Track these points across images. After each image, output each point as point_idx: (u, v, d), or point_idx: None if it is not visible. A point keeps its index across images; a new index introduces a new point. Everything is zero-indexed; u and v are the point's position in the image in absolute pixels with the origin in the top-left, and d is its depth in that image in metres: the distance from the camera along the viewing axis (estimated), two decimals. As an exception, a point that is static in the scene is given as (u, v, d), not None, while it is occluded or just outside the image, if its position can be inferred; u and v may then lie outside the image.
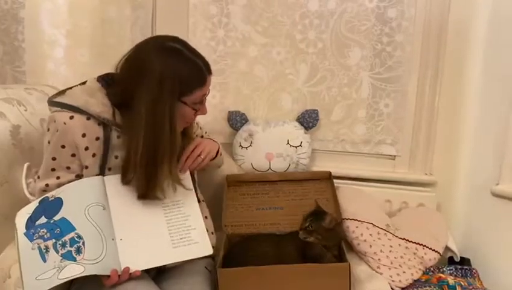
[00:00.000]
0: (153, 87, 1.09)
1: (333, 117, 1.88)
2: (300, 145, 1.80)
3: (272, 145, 1.79)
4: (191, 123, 1.29)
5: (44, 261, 1.05)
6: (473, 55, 1.72)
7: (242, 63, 1.89)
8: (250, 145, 1.81)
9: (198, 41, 1.89)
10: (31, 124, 1.37)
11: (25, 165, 1.28)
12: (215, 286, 1.28)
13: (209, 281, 1.28)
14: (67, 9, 1.85)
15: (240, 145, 1.81)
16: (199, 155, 1.29)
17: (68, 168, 1.18)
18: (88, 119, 1.15)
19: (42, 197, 1.15)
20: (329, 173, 1.71)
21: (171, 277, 1.24)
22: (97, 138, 1.17)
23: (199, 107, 1.21)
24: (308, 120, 1.83)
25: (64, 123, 1.13)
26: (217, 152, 1.40)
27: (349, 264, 1.29)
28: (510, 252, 1.47)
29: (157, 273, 1.26)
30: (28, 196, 1.25)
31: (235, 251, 1.44)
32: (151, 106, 1.09)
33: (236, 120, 1.85)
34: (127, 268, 1.09)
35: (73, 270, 1.04)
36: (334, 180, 1.70)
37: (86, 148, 1.16)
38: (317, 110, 1.85)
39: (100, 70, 1.24)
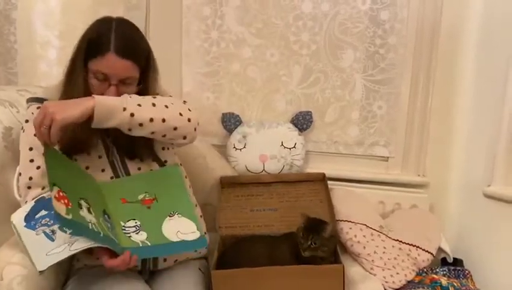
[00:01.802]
0: (74, 49, 1.17)
1: (327, 119, 1.88)
2: (294, 147, 1.80)
3: (266, 147, 1.80)
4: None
5: (53, 241, 1.04)
6: (465, 57, 1.73)
7: (236, 65, 1.89)
8: (244, 147, 1.81)
9: (192, 43, 1.89)
10: (24, 125, 1.36)
11: (18, 168, 1.27)
12: (208, 287, 1.27)
13: (202, 283, 1.28)
14: (59, 10, 1.85)
15: (234, 147, 1.81)
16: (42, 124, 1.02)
17: None
18: None
19: (38, 198, 1.15)
20: (323, 174, 1.72)
21: (165, 278, 1.24)
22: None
23: (100, 84, 1.14)
24: (302, 122, 1.84)
25: (32, 113, 1.19)
26: (91, 113, 1.05)
27: (343, 266, 1.29)
28: (502, 253, 1.48)
29: (151, 275, 1.26)
30: (18, 198, 1.24)
31: (229, 252, 1.44)
32: (69, 65, 1.18)
33: (230, 122, 1.85)
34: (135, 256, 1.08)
35: (85, 242, 1.03)
36: (328, 182, 1.70)
37: None
38: (311, 111, 1.85)
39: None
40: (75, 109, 1.04)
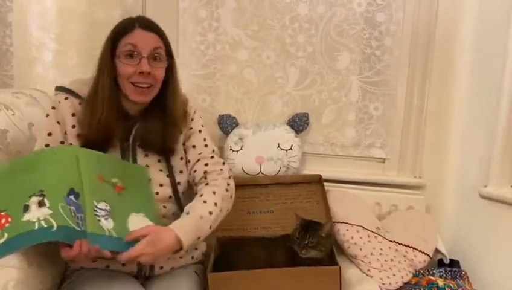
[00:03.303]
0: (102, 48, 1.25)
1: (323, 120, 1.89)
2: (290, 149, 1.80)
3: (263, 149, 1.79)
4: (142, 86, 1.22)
5: None
6: (460, 59, 1.74)
7: (232, 67, 1.89)
8: (241, 149, 1.80)
9: (188, 45, 1.89)
10: (19, 128, 1.35)
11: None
12: (205, 290, 1.27)
13: (199, 286, 1.28)
14: (55, 13, 1.84)
15: (231, 149, 1.81)
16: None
17: (62, 142, 1.23)
18: (80, 103, 1.24)
19: None
20: (320, 176, 1.72)
21: (161, 282, 1.24)
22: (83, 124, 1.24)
23: (131, 62, 1.19)
24: (298, 123, 1.84)
25: (59, 102, 1.24)
26: (178, 248, 1.15)
27: (340, 268, 1.29)
28: (498, 254, 1.48)
29: (146, 279, 1.25)
30: None
31: (225, 254, 1.43)
32: (98, 63, 1.24)
33: (227, 124, 1.85)
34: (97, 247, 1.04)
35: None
36: (325, 184, 1.70)
37: (73, 127, 1.23)
38: (307, 113, 1.85)
39: (89, 73, 1.26)
40: (164, 251, 1.13)
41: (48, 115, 1.25)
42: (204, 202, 1.24)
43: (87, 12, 1.83)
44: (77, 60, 1.85)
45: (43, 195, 1.02)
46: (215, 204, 1.25)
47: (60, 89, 1.27)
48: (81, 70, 1.81)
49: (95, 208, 1.08)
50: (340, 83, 1.85)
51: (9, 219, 0.99)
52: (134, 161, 1.27)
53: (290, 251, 1.38)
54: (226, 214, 1.31)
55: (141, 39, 1.20)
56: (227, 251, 1.46)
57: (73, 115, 1.24)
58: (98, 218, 1.07)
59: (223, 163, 1.38)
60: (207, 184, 1.30)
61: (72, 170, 1.09)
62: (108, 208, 1.11)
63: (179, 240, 1.13)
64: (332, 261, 1.37)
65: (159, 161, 1.30)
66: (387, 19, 1.78)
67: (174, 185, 1.31)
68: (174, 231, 1.13)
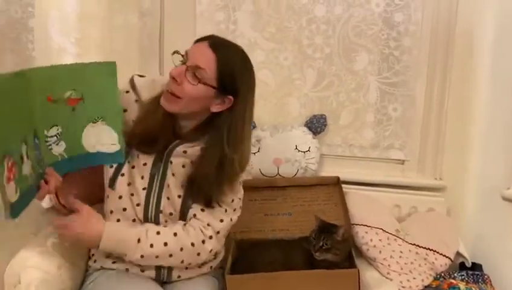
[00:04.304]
0: None
1: (341, 122, 1.88)
2: (308, 150, 1.79)
3: (280, 151, 1.79)
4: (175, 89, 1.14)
5: None
6: (481, 58, 1.71)
7: (249, 69, 1.89)
8: (258, 151, 1.81)
9: (206, 48, 1.90)
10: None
11: None
12: (223, 292, 1.28)
13: (217, 289, 1.28)
14: (75, 18, 1.87)
15: (248, 151, 1.81)
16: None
17: None
18: (136, 101, 1.22)
19: None
20: (338, 178, 1.71)
21: (179, 286, 1.24)
22: (132, 120, 1.20)
23: (179, 63, 1.16)
24: (316, 125, 1.83)
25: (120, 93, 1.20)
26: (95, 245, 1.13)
27: (358, 270, 1.28)
28: (522, 258, 1.45)
29: (163, 284, 1.25)
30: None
31: (243, 257, 1.43)
32: None
33: (244, 126, 1.85)
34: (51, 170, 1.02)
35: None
36: (343, 186, 1.69)
37: None
38: (325, 115, 1.84)
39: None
40: (83, 241, 1.14)
41: None
42: (158, 233, 1.16)
43: (106, 17, 1.86)
44: (97, 64, 1.88)
45: (25, 143, 0.94)
46: (165, 244, 1.15)
47: (130, 80, 1.23)
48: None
49: (46, 139, 1.04)
50: (358, 84, 1.84)
51: (16, 170, 0.90)
52: (164, 175, 1.21)
53: (308, 253, 1.37)
54: (178, 263, 1.19)
55: (195, 50, 1.15)
56: (245, 253, 1.46)
57: (124, 110, 1.20)
58: (50, 147, 1.04)
59: (221, 220, 1.22)
60: (184, 224, 1.20)
61: (29, 104, 0.98)
62: (59, 131, 1.06)
63: (100, 241, 1.11)
64: (351, 264, 1.35)
65: (182, 185, 1.21)
66: (405, 19, 1.77)
67: (183, 219, 1.23)
68: (102, 234, 1.11)
